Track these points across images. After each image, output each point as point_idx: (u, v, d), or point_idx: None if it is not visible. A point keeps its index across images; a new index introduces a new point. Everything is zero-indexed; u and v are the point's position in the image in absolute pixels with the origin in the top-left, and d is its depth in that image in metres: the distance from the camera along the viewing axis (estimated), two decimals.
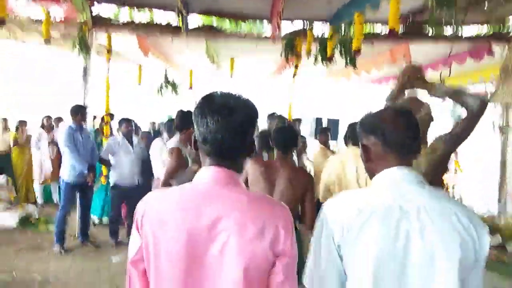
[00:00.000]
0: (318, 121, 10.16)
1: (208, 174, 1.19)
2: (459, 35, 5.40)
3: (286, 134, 2.95)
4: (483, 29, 5.62)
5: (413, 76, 2.12)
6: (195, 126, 1.21)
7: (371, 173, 1.34)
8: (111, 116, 6.60)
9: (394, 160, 1.27)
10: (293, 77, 5.98)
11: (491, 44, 5.62)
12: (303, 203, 2.81)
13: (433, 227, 1.13)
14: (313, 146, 6.01)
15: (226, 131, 1.15)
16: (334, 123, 9.83)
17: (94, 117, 6.66)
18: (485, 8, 4.31)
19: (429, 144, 2.07)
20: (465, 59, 5.99)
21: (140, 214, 1.19)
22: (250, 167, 2.90)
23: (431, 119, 2.16)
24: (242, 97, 1.21)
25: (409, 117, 1.32)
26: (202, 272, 1.11)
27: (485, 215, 4.51)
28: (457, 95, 1.96)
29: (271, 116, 5.35)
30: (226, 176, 1.18)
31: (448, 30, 5.36)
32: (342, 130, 2.94)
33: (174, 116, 4.61)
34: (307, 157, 5.69)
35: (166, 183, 3.38)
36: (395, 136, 1.27)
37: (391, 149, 1.27)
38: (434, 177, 1.93)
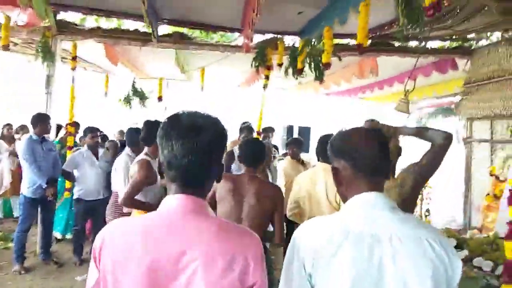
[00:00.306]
0: (289, 129, 10.22)
1: (173, 202, 1.11)
2: (425, 48, 5.55)
3: (253, 148, 2.88)
4: (447, 44, 5.81)
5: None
6: (160, 150, 1.14)
7: (344, 197, 1.31)
8: (76, 125, 6.36)
9: (365, 184, 1.24)
10: (264, 88, 5.95)
11: (455, 58, 5.82)
12: (273, 218, 2.76)
13: (405, 254, 1.11)
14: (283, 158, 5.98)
15: (192, 155, 1.08)
16: (305, 131, 9.92)
17: (58, 127, 6.39)
18: (449, 23, 4.43)
19: (396, 175, 2.11)
20: (431, 72, 6.17)
21: (98, 245, 1.10)
22: (218, 183, 2.80)
23: (400, 151, 2.20)
24: (210, 117, 1.15)
25: (379, 137, 1.30)
26: None
27: (451, 228, 4.62)
28: (421, 133, 2.06)
29: (243, 126, 5.29)
30: (193, 204, 1.11)
31: (413, 44, 5.51)
32: (314, 137, 2.92)
33: (135, 126, 4.48)
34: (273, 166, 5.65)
35: (130, 197, 3.17)
36: (365, 159, 1.24)
37: (362, 172, 1.25)
38: (406, 209, 1.96)
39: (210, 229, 1.07)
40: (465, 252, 3.43)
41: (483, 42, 5.53)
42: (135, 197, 3.21)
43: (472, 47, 5.66)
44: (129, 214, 4.02)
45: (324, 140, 3.02)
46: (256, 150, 2.88)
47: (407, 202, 1.97)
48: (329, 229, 1.18)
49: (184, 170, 1.10)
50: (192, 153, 1.08)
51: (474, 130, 5.50)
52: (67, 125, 5.82)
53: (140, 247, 1.05)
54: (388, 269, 1.10)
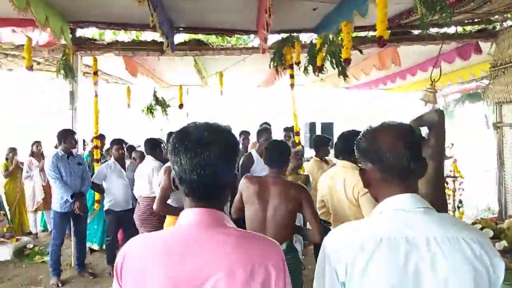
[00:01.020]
0: (312, 126, 10.11)
1: (189, 217, 1.11)
2: (447, 34, 5.39)
3: (277, 149, 2.89)
4: (469, 27, 5.62)
5: None
6: (171, 165, 1.13)
7: (375, 199, 1.25)
8: (102, 137, 6.49)
9: (396, 186, 1.17)
10: (291, 87, 5.88)
11: (478, 41, 5.63)
12: (304, 216, 2.79)
13: (444, 259, 1.05)
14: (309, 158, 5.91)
15: (201, 170, 1.06)
16: (328, 127, 9.79)
17: (84, 142, 6.54)
18: (471, 6, 4.28)
19: None
20: (454, 58, 5.99)
21: (120, 263, 1.10)
22: (243, 185, 2.87)
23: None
24: (218, 128, 1.13)
25: (408, 135, 1.20)
26: None
27: (486, 218, 4.47)
28: (418, 121, 1.98)
29: (260, 129, 5.18)
30: (208, 218, 1.09)
31: (435, 30, 5.35)
32: (337, 133, 2.89)
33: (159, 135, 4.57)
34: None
35: (162, 203, 3.40)
36: (393, 160, 1.16)
37: (391, 175, 1.18)
38: (437, 194, 1.89)
39: (228, 242, 1.05)
40: (503, 243, 3.31)
41: (508, 23, 5.31)
42: (168, 202, 3.43)
43: (497, 29, 5.45)
44: (157, 220, 4.10)
45: (343, 137, 2.94)
46: (281, 151, 2.88)
47: (435, 185, 1.91)
48: (360, 235, 1.12)
49: (194, 185, 1.09)
50: (201, 168, 1.06)
51: (503, 115, 5.30)
52: (93, 138, 5.95)
53: (159, 263, 1.04)
54: (426, 276, 1.04)
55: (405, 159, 1.16)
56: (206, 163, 1.06)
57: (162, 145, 4.78)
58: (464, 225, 1.16)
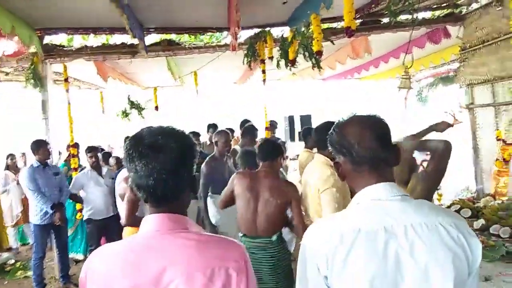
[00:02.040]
0: (291, 119, 10.16)
1: (149, 224, 1.10)
2: (415, 21, 5.46)
3: (271, 143, 3.15)
4: (437, 12, 5.71)
5: None
6: (127, 172, 1.12)
7: (352, 190, 1.25)
8: (76, 145, 6.35)
9: (369, 176, 1.18)
10: (263, 83, 5.89)
11: (446, 26, 5.72)
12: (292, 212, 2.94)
13: (423, 246, 1.06)
14: (298, 149, 6.00)
15: (157, 174, 1.05)
16: (306, 119, 9.85)
17: (59, 152, 6.40)
18: None
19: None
20: (424, 43, 6.09)
21: (84, 276, 1.10)
22: (236, 181, 3.03)
23: (414, 167, 2.35)
24: (172, 132, 1.12)
25: (375, 126, 1.21)
26: None
27: (464, 198, 4.57)
28: (422, 145, 2.16)
29: (246, 128, 5.19)
30: (168, 222, 1.09)
31: (403, 18, 5.42)
32: (316, 125, 2.92)
33: None
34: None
35: (131, 214, 3.05)
36: (363, 152, 1.17)
37: (362, 166, 1.18)
38: None
39: (187, 246, 1.05)
40: (481, 221, 3.39)
41: (474, 6, 5.42)
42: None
43: (463, 13, 5.56)
44: None
45: (317, 130, 2.95)
46: (274, 146, 3.11)
47: None
48: (338, 227, 1.12)
49: (152, 190, 1.08)
50: (156, 172, 1.06)
51: (475, 96, 5.42)
52: (68, 146, 5.82)
53: (119, 272, 1.04)
54: (406, 264, 1.05)
55: (374, 149, 1.17)
56: (162, 167, 1.06)
57: None
58: (441, 210, 1.17)
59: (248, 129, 4.99)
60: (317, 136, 2.91)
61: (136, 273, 1.03)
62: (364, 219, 1.11)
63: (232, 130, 6.47)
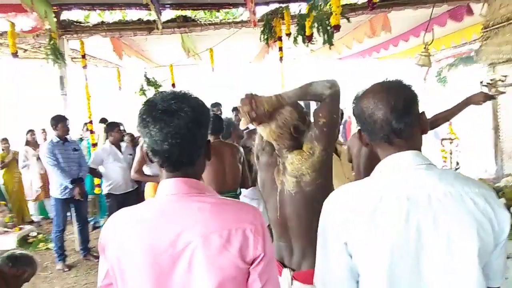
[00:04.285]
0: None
1: (165, 188, 1.12)
2: None
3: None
4: None
5: (252, 110, 1.71)
6: (142, 138, 1.13)
7: (377, 158, 1.21)
8: (104, 120, 6.51)
9: (388, 147, 1.14)
10: (280, 61, 5.82)
11: (469, 3, 5.54)
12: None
13: (447, 216, 1.03)
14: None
15: (172, 139, 1.06)
16: None
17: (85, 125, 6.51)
18: None
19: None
20: (446, 21, 5.91)
21: (103, 237, 1.13)
22: None
23: (303, 119, 1.84)
24: (186, 97, 1.12)
25: (391, 93, 1.13)
26: None
27: (484, 178, 4.49)
28: (304, 93, 1.75)
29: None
30: (184, 186, 1.10)
31: None
32: None
33: None
34: None
35: (136, 171, 4.45)
36: (377, 123, 1.13)
37: (379, 137, 1.15)
38: (326, 180, 1.78)
39: (203, 209, 1.07)
40: (502, 200, 3.34)
41: None
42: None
43: None
44: None
45: None
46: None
47: (324, 166, 1.76)
48: (361, 195, 1.11)
49: (167, 155, 1.09)
50: (171, 137, 1.06)
51: (497, 76, 5.27)
52: (86, 124, 5.91)
53: (138, 235, 1.06)
54: (428, 233, 1.03)
55: (387, 121, 1.11)
56: (176, 132, 1.06)
57: None
58: (468, 180, 1.12)
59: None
60: None
61: (153, 236, 1.05)
62: (386, 188, 1.09)
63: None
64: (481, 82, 3.39)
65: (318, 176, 1.73)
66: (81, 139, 6.57)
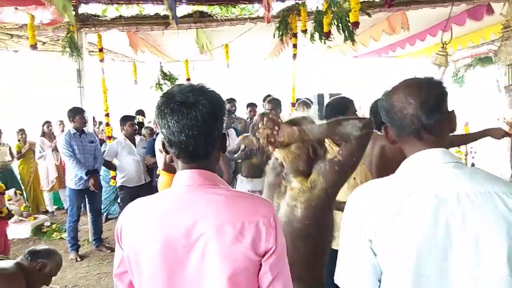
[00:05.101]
0: (320, 97, 9.99)
1: (181, 179, 1.14)
2: None
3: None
4: None
5: (272, 136, 1.61)
6: (159, 129, 1.15)
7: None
8: (141, 112, 6.68)
9: (416, 144, 1.13)
10: (294, 58, 5.80)
11: (490, 1, 5.44)
12: None
13: (475, 214, 1.01)
14: None
15: (189, 130, 1.08)
16: None
17: (94, 120, 6.60)
18: None
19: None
20: (464, 20, 5.81)
21: (119, 226, 1.16)
22: None
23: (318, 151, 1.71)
24: (203, 90, 1.13)
25: (422, 89, 1.12)
26: (184, 284, 1.07)
27: None
28: (332, 132, 1.58)
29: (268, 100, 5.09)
30: (199, 178, 1.12)
31: None
32: None
33: None
34: None
35: (166, 163, 4.30)
36: (406, 119, 1.11)
37: (408, 134, 1.13)
38: (322, 218, 1.62)
39: (218, 200, 1.08)
40: None
41: None
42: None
43: None
44: None
45: (329, 105, 2.85)
46: None
47: (319, 208, 1.61)
48: (388, 191, 1.10)
49: (184, 146, 1.11)
50: (188, 128, 1.08)
51: None
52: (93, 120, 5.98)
53: (153, 225, 1.09)
54: (457, 232, 1.01)
55: (417, 117, 1.11)
56: (193, 124, 1.08)
57: None
58: (497, 179, 1.10)
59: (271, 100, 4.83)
60: (329, 112, 2.72)
61: (167, 225, 1.07)
62: (414, 184, 1.08)
63: (255, 105, 6.49)
64: (503, 119, 3.39)
65: (310, 215, 1.59)
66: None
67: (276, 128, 1.60)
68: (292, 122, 1.69)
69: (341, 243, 1.17)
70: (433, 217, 1.02)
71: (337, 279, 1.17)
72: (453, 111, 1.16)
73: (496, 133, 2.76)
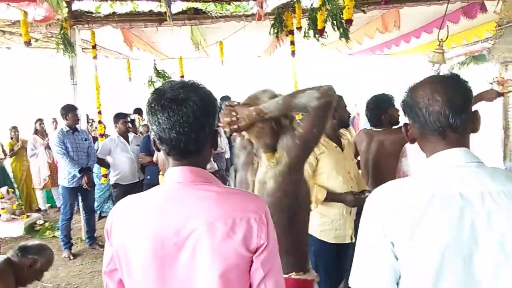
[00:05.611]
0: None
1: (172, 176, 1.12)
2: None
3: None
4: None
5: (232, 122, 1.60)
6: (150, 126, 1.14)
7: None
8: (139, 111, 6.56)
9: (439, 143, 1.11)
10: (292, 55, 5.79)
11: (484, 0, 5.46)
12: None
13: (500, 214, 0.99)
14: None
15: (179, 127, 1.07)
16: None
17: (88, 117, 6.55)
18: None
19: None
20: (459, 18, 5.83)
21: (109, 223, 1.14)
22: None
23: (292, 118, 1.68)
24: (194, 86, 1.12)
25: (448, 87, 1.10)
26: (175, 281, 1.05)
27: None
28: (287, 106, 1.54)
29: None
30: (190, 175, 1.11)
31: None
32: None
33: None
34: None
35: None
36: (431, 117, 1.08)
37: (431, 132, 1.11)
38: (288, 193, 1.61)
39: (209, 197, 1.07)
40: None
41: None
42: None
43: None
44: None
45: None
46: None
47: (288, 182, 1.60)
48: (409, 192, 1.06)
49: (174, 143, 1.10)
50: (178, 125, 1.07)
51: (509, 75, 5.20)
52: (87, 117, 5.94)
53: (143, 222, 1.07)
54: (483, 233, 0.99)
55: (443, 115, 1.08)
56: (184, 121, 1.07)
57: None
58: None
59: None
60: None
61: (158, 223, 1.06)
62: (437, 184, 1.05)
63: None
64: (493, 79, 3.39)
65: (278, 189, 1.59)
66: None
67: (234, 113, 1.60)
68: (251, 99, 1.69)
69: (360, 244, 1.13)
70: (458, 218, 1.00)
71: (353, 282, 1.13)
72: (476, 111, 1.14)
73: (488, 95, 2.78)
